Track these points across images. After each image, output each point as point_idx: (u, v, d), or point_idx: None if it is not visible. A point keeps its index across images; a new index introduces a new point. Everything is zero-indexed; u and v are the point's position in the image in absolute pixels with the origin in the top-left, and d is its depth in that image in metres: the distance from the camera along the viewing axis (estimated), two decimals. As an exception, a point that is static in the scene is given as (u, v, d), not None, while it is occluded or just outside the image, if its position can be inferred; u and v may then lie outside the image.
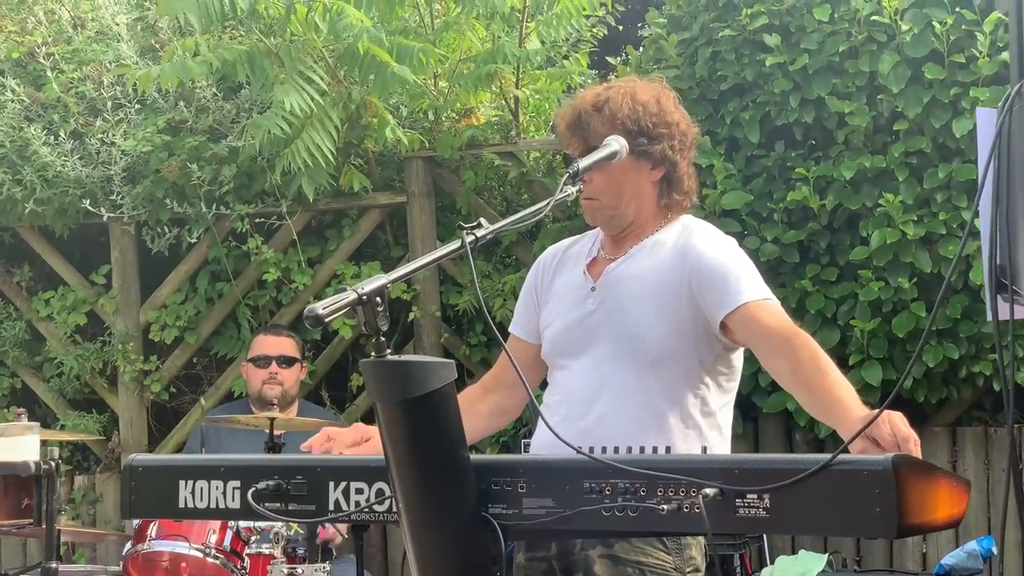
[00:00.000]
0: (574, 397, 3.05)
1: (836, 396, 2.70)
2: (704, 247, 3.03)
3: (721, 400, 3.06)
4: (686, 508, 2.23)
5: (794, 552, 5.02)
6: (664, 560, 2.96)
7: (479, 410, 3.22)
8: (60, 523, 4.12)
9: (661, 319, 3.00)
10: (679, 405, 2.99)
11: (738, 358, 3.08)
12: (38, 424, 3.85)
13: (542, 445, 3.06)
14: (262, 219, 6.04)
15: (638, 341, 3.00)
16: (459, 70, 5.90)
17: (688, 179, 3.14)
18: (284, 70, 5.54)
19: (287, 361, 5.52)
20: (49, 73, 6.10)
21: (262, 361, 5.52)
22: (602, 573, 2.94)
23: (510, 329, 3.30)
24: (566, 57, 6.06)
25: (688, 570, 2.99)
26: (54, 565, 3.92)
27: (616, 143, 2.91)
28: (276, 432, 4.85)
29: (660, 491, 2.26)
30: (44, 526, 3.82)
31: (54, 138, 5.96)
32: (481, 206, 5.93)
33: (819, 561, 4.75)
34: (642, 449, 2.41)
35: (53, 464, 3.72)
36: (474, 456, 2.40)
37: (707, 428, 3.01)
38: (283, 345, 5.55)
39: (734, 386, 3.10)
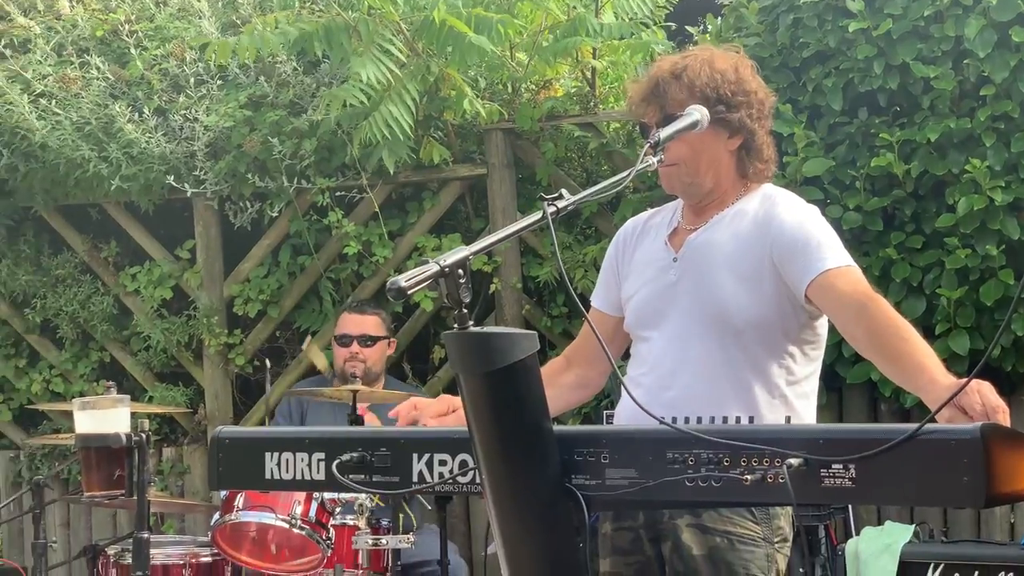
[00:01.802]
0: (658, 368, 3.04)
1: (920, 363, 2.67)
2: (786, 216, 3.01)
3: (807, 369, 3.03)
4: (770, 478, 2.21)
5: (880, 523, 4.98)
6: (752, 530, 2.95)
7: (562, 382, 3.23)
8: (150, 494, 4.17)
9: (743, 289, 2.98)
10: (764, 375, 2.97)
11: (823, 326, 3.05)
12: (128, 397, 3.90)
13: (625, 416, 3.06)
14: (343, 192, 6.07)
15: (721, 311, 2.98)
16: (538, 42, 5.87)
17: (767, 148, 3.11)
18: (361, 43, 5.55)
19: (370, 340, 5.52)
20: (133, 51, 6.17)
21: (344, 340, 5.54)
22: (690, 542, 2.94)
23: (591, 302, 3.30)
24: (646, 26, 6.00)
25: (776, 540, 2.97)
26: (145, 535, 3.97)
27: (698, 112, 2.89)
28: (361, 404, 4.88)
29: (744, 461, 2.24)
30: (135, 497, 3.86)
31: (138, 115, 6.02)
32: (561, 177, 5.91)
33: (906, 532, 4.71)
34: (725, 419, 2.39)
35: (144, 436, 3.76)
36: (557, 427, 2.40)
37: (794, 398, 2.99)
38: (366, 324, 5.56)
39: (820, 354, 3.07)
